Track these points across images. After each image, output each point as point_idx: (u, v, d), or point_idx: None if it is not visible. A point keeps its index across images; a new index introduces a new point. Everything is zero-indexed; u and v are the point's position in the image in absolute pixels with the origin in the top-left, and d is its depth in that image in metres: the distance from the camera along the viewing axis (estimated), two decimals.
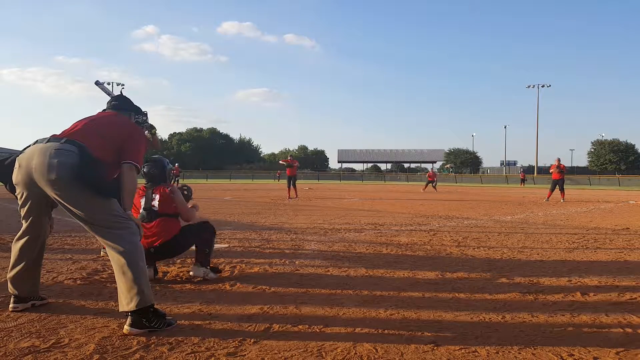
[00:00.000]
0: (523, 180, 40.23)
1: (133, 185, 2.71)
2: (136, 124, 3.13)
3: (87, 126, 2.74)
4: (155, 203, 3.60)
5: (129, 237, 2.54)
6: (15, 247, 2.75)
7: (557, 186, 15.65)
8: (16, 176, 2.60)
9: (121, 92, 3.22)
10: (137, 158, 2.73)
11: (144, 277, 2.49)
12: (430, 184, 24.25)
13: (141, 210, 3.61)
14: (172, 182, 3.90)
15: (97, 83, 3.52)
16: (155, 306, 2.55)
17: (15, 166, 2.61)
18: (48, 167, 2.44)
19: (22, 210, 2.70)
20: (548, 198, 15.85)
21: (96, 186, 2.48)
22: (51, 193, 2.49)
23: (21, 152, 2.63)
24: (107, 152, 2.66)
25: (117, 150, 2.71)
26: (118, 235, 2.51)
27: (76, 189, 2.45)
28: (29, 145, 2.62)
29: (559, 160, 15.70)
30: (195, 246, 3.68)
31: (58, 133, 2.70)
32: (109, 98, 3.16)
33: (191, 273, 3.60)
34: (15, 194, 2.69)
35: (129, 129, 2.84)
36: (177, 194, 3.69)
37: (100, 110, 3.05)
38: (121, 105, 3.06)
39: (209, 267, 3.70)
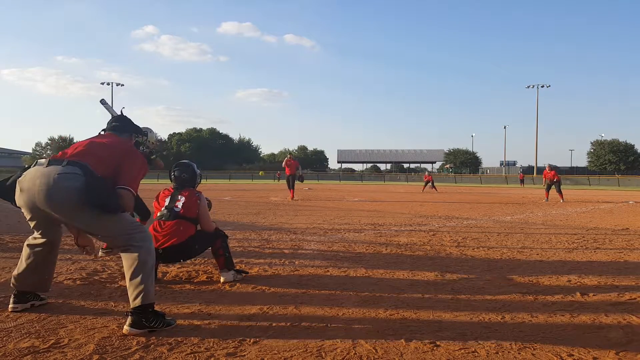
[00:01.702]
0: (522, 181, 40.45)
1: (130, 209, 2.68)
2: (136, 144, 3.12)
3: (87, 147, 2.68)
4: (180, 204, 3.59)
5: (142, 239, 2.57)
6: (26, 244, 2.79)
7: (554, 187, 15.75)
8: (18, 200, 2.57)
9: (122, 111, 3.18)
10: (132, 183, 2.65)
11: (151, 277, 2.55)
12: (429, 184, 24.87)
13: (162, 209, 3.61)
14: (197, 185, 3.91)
15: (102, 102, 3.52)
16: (155, 306, 2.55)
17: (17, 190, 2.56)
18: (53, 193, 2.40)
19: (29, 223, 2.72)
20: (547, 198, 15.90)
21: (105, 206, 2.46)
22: (59, 217, 2.50)
23: (20, 174, 2.59)
24: (108, 170, 2.62)
25: (116, 168, 2.67)
26: (131, 238, 2.55)
27: (85, 211, 2.44)
28: (28, 167, 2.58)
29: (549, 166, 16.21)
30: (214, 255, 3.68)
31: (58, 154, 2.64)
32: (110, 117, 3.12)
33: (222, 280, 3.59)
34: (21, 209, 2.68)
35: (125, 151, 2.76)
36: (203, 201, 3.71)
37: (101, 130, 3.04)
38: (121, 126, 3.03)
39: (235, 270, 3.71)
